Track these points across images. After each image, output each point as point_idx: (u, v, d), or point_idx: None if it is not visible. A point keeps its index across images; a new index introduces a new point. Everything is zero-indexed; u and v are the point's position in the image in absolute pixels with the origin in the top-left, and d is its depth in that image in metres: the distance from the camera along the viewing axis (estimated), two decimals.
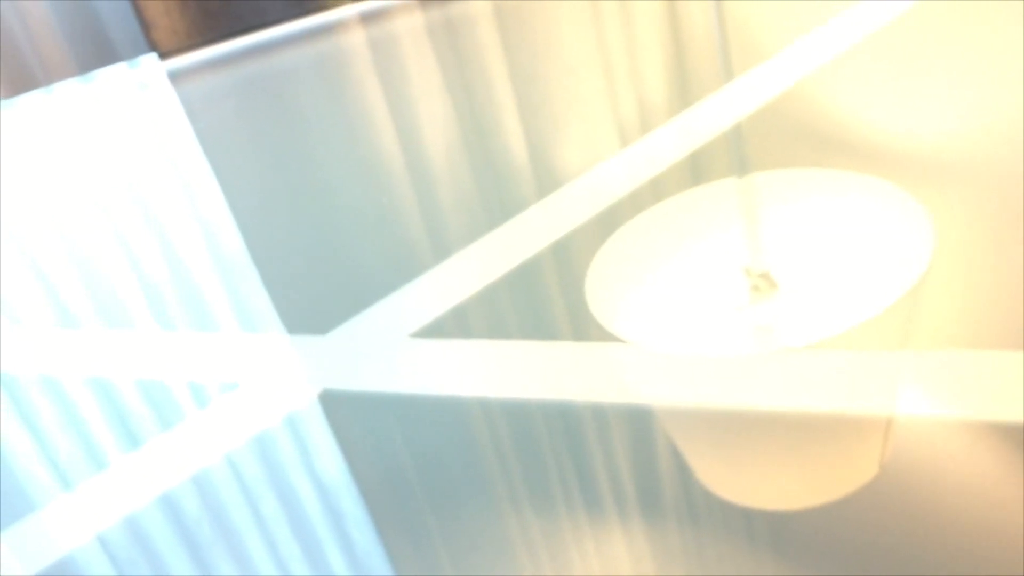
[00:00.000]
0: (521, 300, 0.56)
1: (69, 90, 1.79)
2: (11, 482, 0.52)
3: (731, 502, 0.36)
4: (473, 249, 0.66)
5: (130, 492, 0.48)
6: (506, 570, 0.36)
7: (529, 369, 0.49)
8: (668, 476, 0.39)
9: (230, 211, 0.89)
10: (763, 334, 0.46)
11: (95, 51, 1.85)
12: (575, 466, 0.41)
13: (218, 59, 1.73)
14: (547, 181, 0.75)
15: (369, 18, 1.72)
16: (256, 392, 0.54)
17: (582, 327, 0.51)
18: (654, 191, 0.67)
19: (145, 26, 1.82)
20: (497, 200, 0.73)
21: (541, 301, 0.56)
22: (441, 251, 0.67)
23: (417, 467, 0.44)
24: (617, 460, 0.40)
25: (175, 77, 1.68)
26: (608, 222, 0.64)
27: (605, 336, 0.50)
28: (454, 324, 0.56)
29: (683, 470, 0.39)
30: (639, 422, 0.42)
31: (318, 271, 0.69)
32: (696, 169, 0.69)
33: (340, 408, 0.50)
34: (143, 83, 1.69)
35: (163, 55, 1.87)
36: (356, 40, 1.55)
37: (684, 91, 0.88)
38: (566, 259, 0.60)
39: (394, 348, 0.55)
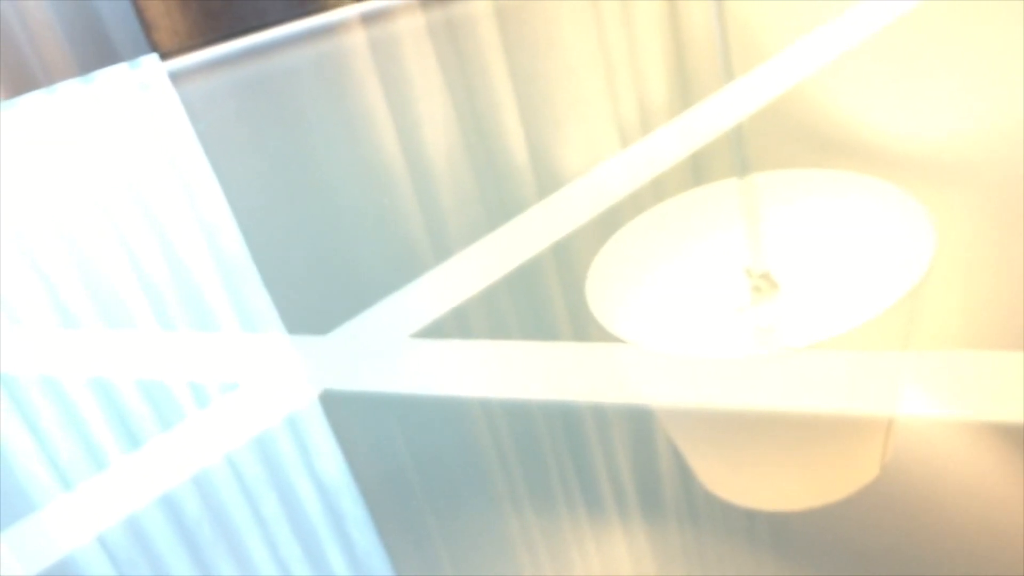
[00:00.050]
0: (522, 300, 0.56)
1: (70, 90, 1.79)
2: (11, 482, 0.52)
3: (732, 503, 0.36)
4: (474, 249, 0.66)
5: (130, 492, 0.48)
6: (507, 570, 0.36)
7: (530, 370, 0.49)
8: (669, 477, 0.39)
9: (231, 211, 0.89)
10: (764, 335, 0.46)
11: (96, 51, 1.85)
12: (576, 466, 0.41)
13: (219, 60, 1.74)
14: (548, 181, 0.75)
15: (370, 18, 1.72)
16: (256, 392, 0.54)
17: (583, 327, 0.51)
18: (655, 192, 0.67)
19: (146, 27, 1.82)
20: (498, 200, 0.73)
21: (542, 301, 0.56)
22: (442, 251, 0.67)
23: (418, 467, 0.44)
24: (618, 460, 0.40)
25: (176, 77, 1.68)
26: (609, 222, 0.64)
27: (606, 336, 0.50)
28: (455, 324, 0.56)
29: (684, 471, 0.39)
30: (640, 423, 0.42)
31: (319, 271, 0.69)
32: (697, 170, 0.69)
33: (340, 408, 0.50)
34: (144, 83, 1.70)
35: (164, 56, 1.87)
36: (357, 40, 1.55)
37: (685, 91, 0.88)
38: (567, 259, 0.60)
39: (395, 348, 0.55)
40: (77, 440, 0.54)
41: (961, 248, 0.49)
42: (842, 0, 1.06)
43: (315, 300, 0.65)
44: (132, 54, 1.90)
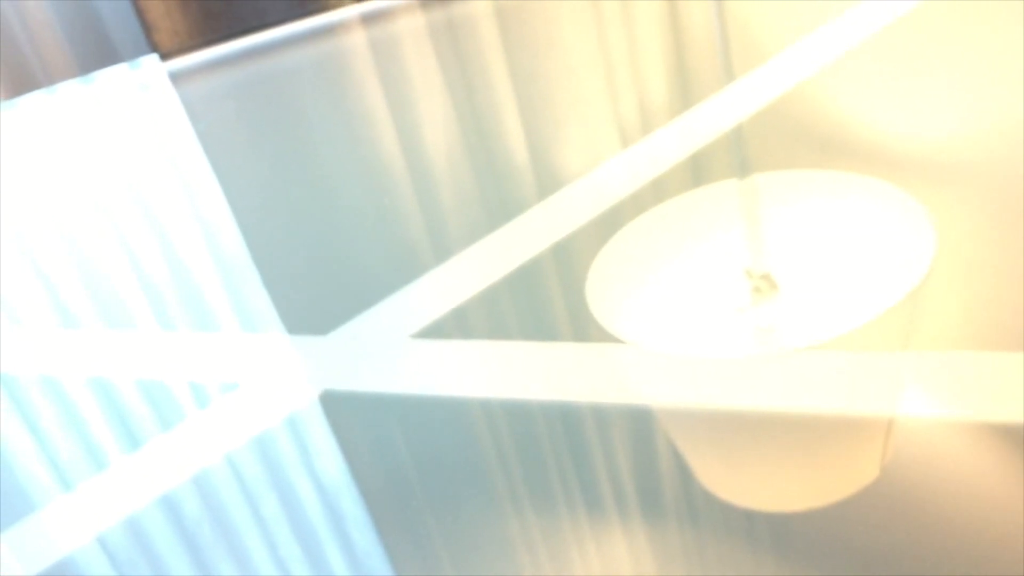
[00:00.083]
0: (522, 301, 0.56)
1: (70, 91, 1.79)
2: (11, 482, 0.52)
3: (731, 503, 0.36)
4: (474, 250, 0.66)
5: (130, 492, 0.48)
6: (507, 571, 0.36)
7: (530, 370, 0.49)
8: (669, 477, 0.39)
9: (231, 211, 0.89)
10: (764, 335, 0.46)
11: (96, 52, 1.86)
12: (576, 467, 0.41)
13: (219, 60, 1.74)
14: (548, 182, 0.75)
15: (370, 19, 1.72)
16: (257, 392, 0.54)
17: (583, 328, 0.51)
18: (655, 192, 0.67)
19: (146, 27, 1.82)
20: (498, 201, 0.73)
21: (542, 302, 0.56)
22: (442, 252, 0.67)
23: (418, 468, 0.44)
24: (618, 461, 0.40)
25: (176, 78, 1.68)
26: (609, 223, 0.64)
27: (606, 337, 0.50)
28: (455, 325, 0.56)
29: (683, 471, 0.39)
30: (640, 423, 0.42)
31: (319, 271, 0.69)
32: (697, 170, 0.69)
33: (341, 409, 0.50)
34: (144, 84, 1.70)
35: (164, 56, 1.87)
36: (357, 41, 1.55)
37: (685, 92, 0.88)
38: (567, 260, 0.60)
39: (395, 349, 0.55)
40: (77, 440, 0.54)
41: (961, 249, 0.49)
42: (841, 1, 1.06)
43: (315, 300, 0.65)
44: (132, 54, 1.90)
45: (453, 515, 0.40)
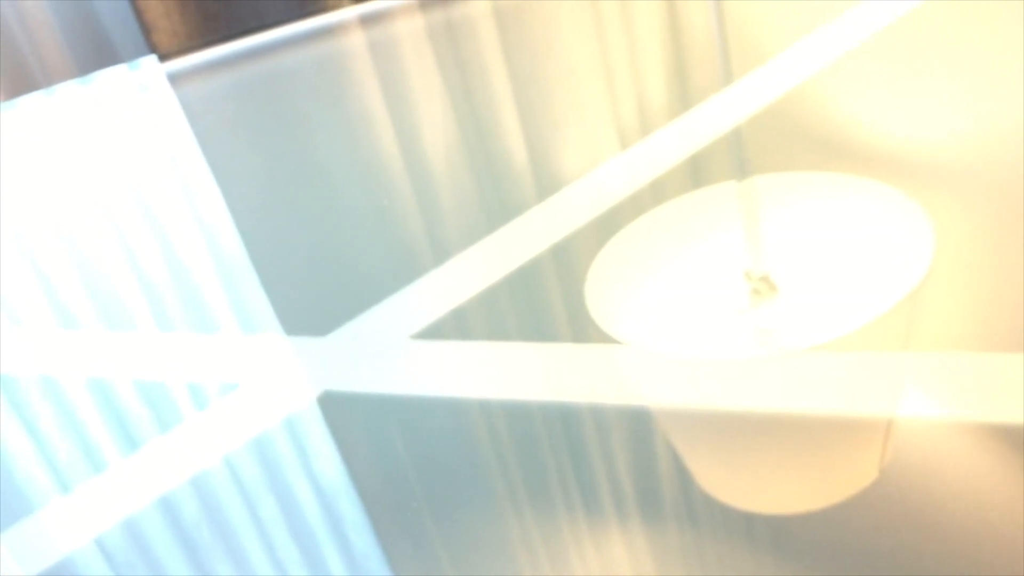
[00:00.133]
0: (521, 302, 0.56)
1: (69, 92, 1.79)
2: (10, 483, 0.52)
3: (730, 505, 0.36)
4: (473, 251, 0.66)
5: (129, 494, 0.48)
6: (506, 572, 0.36)
7: (529, 371, 0.49)
8: (667, 479, 0.39)
9: (230, 212, 0.89)
10: (763, 337, 0.46)
11: (95, 53, 1.85)
12: (575, 469, 0.41)
13: (218, 61, 1.74)
14: (547, 183, 0.75)
15: (369, 20, 1.72)
16: (256, 394, 0.54)
17: (582, 329, 0.51)
18: (654, 194, 0.67)
19: (145, 28, 1.82)
20: (497, 202, 0.73)
21: (541, 303, 0.56)
22: (441, 253, 0.67)
23: (417, 468, 0.44)
24: (616, 462, 0.40)
25: (175, 79, 1.68)
26: (608, 224, 0.64)
27: (605, 338, 0.50)
28: (454, 326, 0.56)
29: (682, 473, 0.39)
30: (639, 425, 0.42)
31: (318, 272, 0.69)
32: (696, 172, 0.69)
33: (340, 409, 0.50)
34: (143, 85, 1.69)
35: (163, 57, 1.87)
36: (356, 42, 1.55)
37: (684, 93, 0.88)
38: (566, 261, 0.60)
39: (394, 349, 0.55)
40: (76, 441, 0.54)
41: (960, 250, 0.49)
42: (841, 1, 1.06)
43: (315, 301, 0.65)
44: (131, 55, 1.90)
45: (452, 516, 0.40)
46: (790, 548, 0.33)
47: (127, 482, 0.49)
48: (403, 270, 0.66)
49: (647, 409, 0.43)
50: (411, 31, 1.52)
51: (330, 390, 0.52)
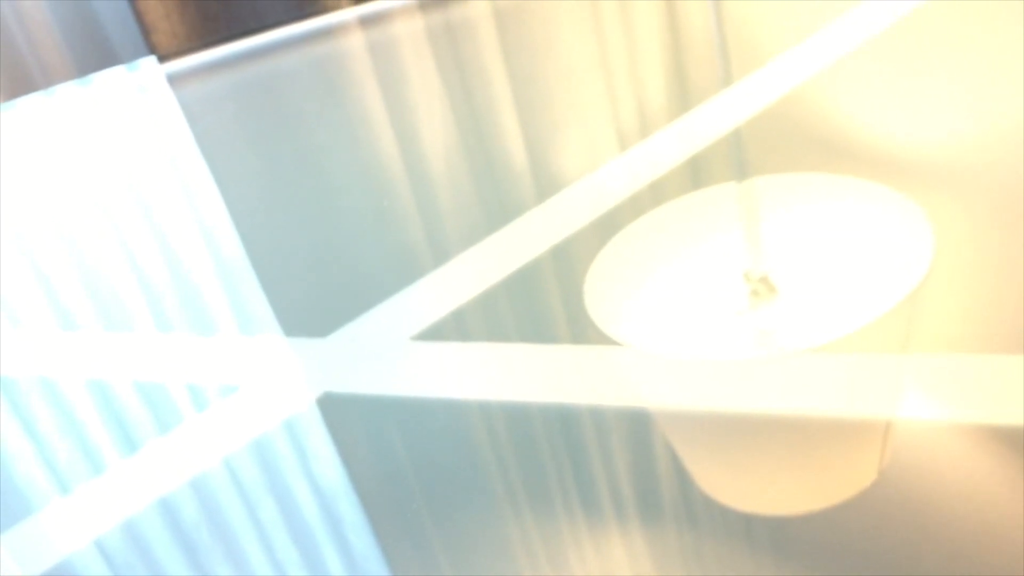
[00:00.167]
0: (521, 303, 0.56)
1: (68, 93, 1.79)
2: (9, 485, 0.52)
3: (729, 506, 0.36)
4: (473, 252, 0.66)
5: (129, 495, 0.48)
6: (506, 574, 0.36)
7: (529, 373, 0.49)
8: (667, 480, 0.39)
9: (229, 213, 0.89)
10: (762, 338, 0.46)
11: (94, 54, 1.85)
12: (574, 470, 0.41)
13: (217, 62, 1.74)
14: (547, 184, 0.75)
15: (369, 21, 1.72)
16: (255, 395, 0.54)
17: (581, 330, 0.51)
18: (654, 195, 0.68)
19: (144, 29, 1.82)
20: (497, 203, 0.73)
21: (541, 304, 0.56)
22: (441, 254, 0.67)
23: (416, 470, 0.44)
24: (616, 464, 0.40)
25: (174, 80, 1.68)
26: (607, 226, 0.64)
27: (604, 340, 0.50)
28: (454, 327, 0.56)
29: (682, 474, 0.39)
30: (638, 426, 0.42)
31: (318, 274, 0.69)
32: (696, 173, 0.69)
33: (340, 411, 0.50)
34: (143, 86, 1.69)
35: (162, 58, 1.87)
36: (356, 43, 1.55)
37: (684, 94, 0.88)
38: (566, 262, 0.60)
39: (394, 351, 0.55)
40: (75, 443, 0.54)
41: (960, 251, 0.49)
42: (840, 2, 1.06)
43: (314, 302, 0.65)
44: (130, 56, 1.90)
45: (452, 518, 0.40)
46: (790, 549, 0.33)
47: (127, 483, 0.49)
48: (403, 271, 0.66)
49: (646, 410, 0.43)
50: (410, 32, 1.52)
51: (330, 391, 0.52)
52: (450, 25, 1.48)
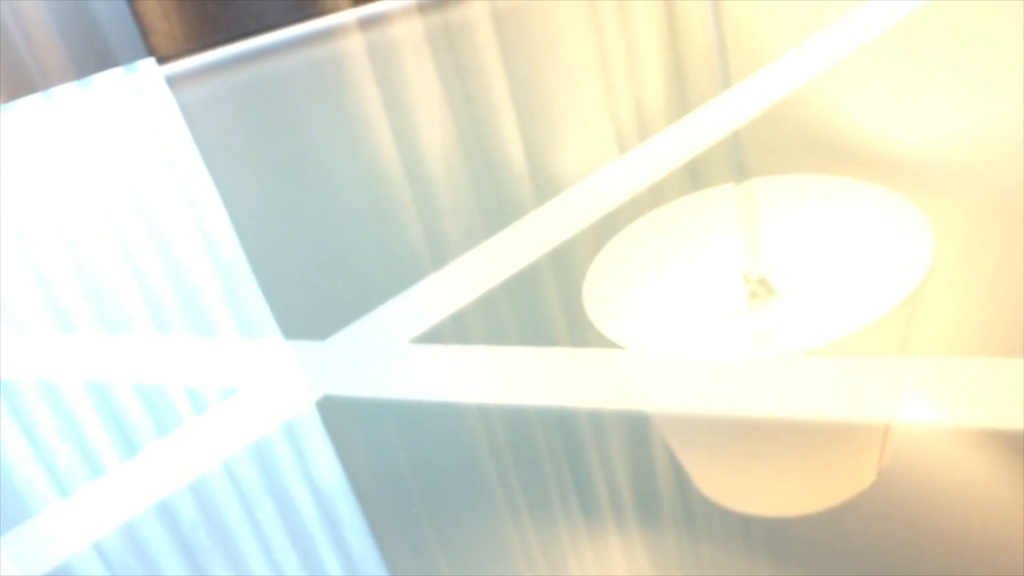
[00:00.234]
0: (520, 306, 0.56)
1: (67, 94, 1.79)
2: (8, 487, 0.52)
3: (728, 508, 0.36)
4: (472, 255, 0.66)
5: (128, 498, 0.48)
6: None
7: (528, 375, 0.49)
8: (666, 482, 0.39)
9: (228, 216, 0.89)
10: (761, 340, 0.46)
11: (93, 55, 1.85)
12: (573, 473, 0.41)
13: (216, 64, 1.74)
14: (545, 187, 0.75)
15: (368, 23, 1.72)
16: (255, 398, 0.54)
17: (580, 333, 0.51)
18: (652, 197, 0.68)
19: (143, 30, 1.82)
20: (496, 206, 0.73)
21: (540, 307, 0.56)
22: (440, 257, 0.67)
23: (415, 473, 0.44)
24: (615, 466, 0.40)
25: (173, 82, 1.68)
26: (607, 228, 0.64)
27: (603, 342, 0.50)
28: (453, 330, 0.56)
29: (681, 476, 0.39)
30: (637, 428, 0.42)
31: (317, 276, 0.69)
32: (695, 175, 0.69)
33: (339, 414, 0.50)
34: (141, 88, 1.69)
35: (161, 60, 1.87)
36: (355, 45, 1.55)
37: (683, 96, 0.88)
38: (564, 265, 0.60)
39: (393, 354, 0.55)
40: (75, 445, 0.54)
41: (959, 254, 0.49)
42: (839, 3, 1.06)
43: (313, 305, 0.65)
44: (129, 58, 1.90)
45: (451, 520, 0.40)
46: (789, 551, 0.33)
47: (126, 486, 0.49)
48: (402, 274, 0.66)
49: (645, 412, 0.43)
50: (409, 33, 1.52)
51: (329, 394, 0.52)
52: (449, 27, 1.49)
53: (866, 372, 0.42)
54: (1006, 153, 0.59)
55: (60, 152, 1.34)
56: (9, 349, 0.70)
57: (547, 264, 0.61)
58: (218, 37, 1.88)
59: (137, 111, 1.50)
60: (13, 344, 0.71)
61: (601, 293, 0.55)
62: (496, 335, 0.54)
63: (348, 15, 1.87)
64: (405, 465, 0.44)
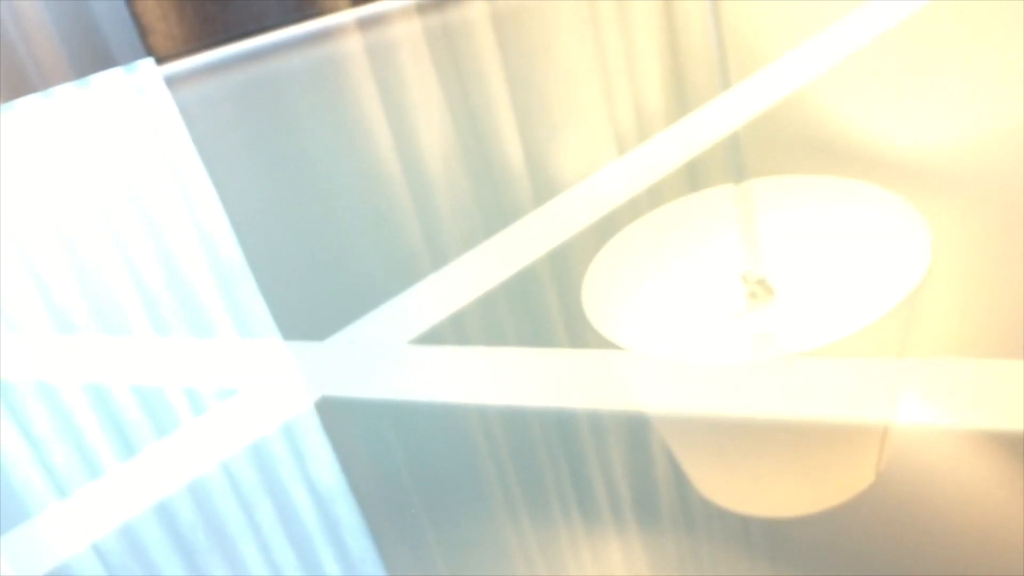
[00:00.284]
0: (519, 307, 0.56)
1: (66, 94, 1.79)
2: (6, 489, 0.52)
3: (727, 509, 0.36)
4: (471, 255, 0.66)
5: (127, 499, 0.48)
6: None
7: (526, 376, 0.49)
8: (664, 483, 0.39)
9: (227, 216, 0.89)
10: (760, 341, 0.46)
11: (92, 55, 1.85)
12: (572, 474, 0.41)
13: (215, 64, 1.74)
14: (544, 187, 0.75)
15: (367, 23, 1.72)
16: (253, 399, 0.54)
17: (579, 334, 0.51)
18: (651, 198, 0.68)
19: (142, 31, 1.82)
20: (495, 206, 0.73)
21: (538, 308, 0.56)
22: (439, 257, 0.67)
23: (414, 474, 0.44)
24: (614, 467, 0.40)
25: (172, 82, 1.68)
26: (605, 229, 0.64)
27: (602, 343, 0.50)
28: (452, 331, 0.56)
29: (679, 477, 0.39)
30: (636, 429, 0.42)
31: (316, 277, 0.69)
32: (693, 176, 0.70)
33: (338, 415, 0.50)
34: (140, 88, 1.69)
35: (160, 60, 1.87)
36: (354, 45, 1.55)
37: (682, 97, 0.88)
38: (563, 266, 0.60)
39: (392, 355, 0.55)
40: (73, 446, 0.54)
41: (958, 255, 0.49)
42: (838, 3, 1.06)
43: (312, 306, 0.65)
44: (128, 58, 1.90)
45: (449, 522, 0.40)
46: (787, 551, 0.34)
47: (125, 487, 0.49)
48: (401, 275, 0.66)
49: (644, 413, 0.43)
50: (408, 34, 1.52)
51: (328, 395, 0.52)
52: (448, 27, 1.49)
53: (864, 373, 0.42)
54: (1005, 154, 0.59)
55: (59, 152, 1.34)
56: (7, 350, 0.70)
57: (546, 265, 0.61)
58: (217, 37, 1.88)
59: (136, 111, 1.50)
60: (11, 345, 0.71)
61: (600, 294, 0.55)
62: (495, 336, 0.54)
63: (347, 15, 1.87)
64: (404, 466, 0.44)
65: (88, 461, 0.52)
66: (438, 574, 0.37)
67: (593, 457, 0.41)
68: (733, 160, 0.70)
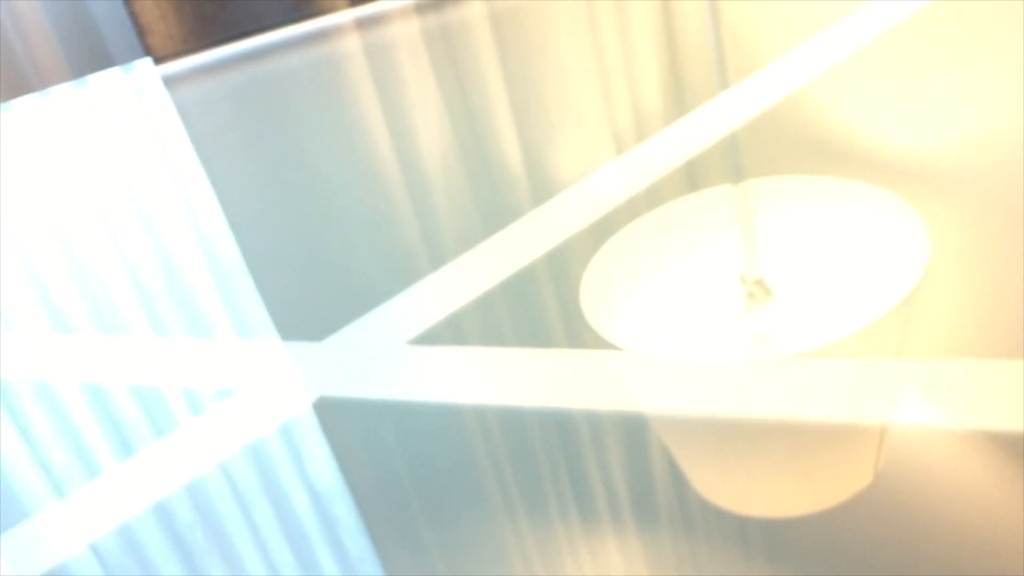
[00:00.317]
0: (517, 307, 0.56)
1: (64, 94, 1.78)
2: (5, 488, 0.51)
3: (726, 509, 0.36)
4: (469, 256, 0.66)
5: (125, 499, 0.48)
6: None
7: (525, 376, 0.49)
8: (663, 483, 0.39)
9: (225, 216, 0.88)
10: (758, 342, 0.46)
11: (90, 55, 1.85)
12: (571, 474, 0.41)
13: (213, 64, 1.73)
14: (542, 188, 0.75)
15: (366, 23, 1.72)
16: (251, 399, 0.54)
17: (577, 334, 0.51)
18: (650, 198, 0.68)
19: (140, 30, 1.81)
20: (493, 207, 0.73)
21: (537, 308, 0.56)
22: (437, 258, 0.67)
23: (413, 474, 0.44)
24: (612, 467, 0.40)
25: (170, 82, 1.68)
26: (604, 229, 0.64)
27: (600, 343, 0.50)
28: (450, 331, 0.56)
29: (678, 477, 0.39)
30: (634, 429, 0.42)
31: (314, 277, 0.69)
32: (692, 176, 0.70)
33: (336, 415, 0.50)
34: (138, 88, 1.69)
35: (158, 60, 1.87)
36: (352, 45, 1.55)
37: (680, 97, 0.88)
38: (562, 266, 0.60)
39: (390, 355, 0.55)
40: (71, 446, 0.54)
41: (956, 255, 0.50)
42: (838, 3, 1.06)
43: (310, 306, 0.65)
44: (126, 58, 1.90)
45: (448, 522, 0.40)
46: (785, 552, 0.34)
47: (123, 487, 0.49)
48: (399, 275, 0.66)
49: (643, 413, 0.43)
50: (407, 34, 1.52)
51: (326, 395, 0.52)
52: (446, 27, 1.49)
53: (863, 373, 0.42)
54: (1004, 154, 0.59)
55: (57, 152, 1.33)
56: (5, 350, 0.70)
57: (544, 265, 0.61)
58: (215, 37, 1.88)
59: (134, 111, 1.50)
60: (10, 345, 0.71)
61: (598, 294, 0.55)
62: (493, 336, 0.54)
63: (345, 15, 1.87)
64: (402, 466, 0.44)
65: (86, 461, 0.52)
66: (436, 574, 0.37)
67: (591, 457, 0.41)
68: (731, 160, 0.70)
